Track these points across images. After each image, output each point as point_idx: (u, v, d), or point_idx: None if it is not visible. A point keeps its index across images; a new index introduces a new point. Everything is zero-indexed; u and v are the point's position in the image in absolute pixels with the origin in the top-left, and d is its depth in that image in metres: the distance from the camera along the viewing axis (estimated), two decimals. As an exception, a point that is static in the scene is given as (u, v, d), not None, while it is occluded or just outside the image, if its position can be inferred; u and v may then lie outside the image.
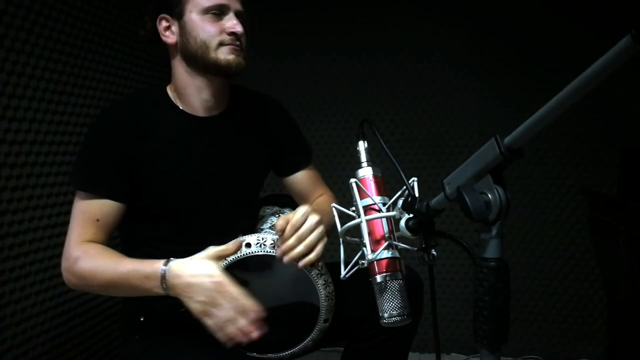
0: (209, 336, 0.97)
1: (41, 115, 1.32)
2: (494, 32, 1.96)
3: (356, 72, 2.07)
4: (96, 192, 1.00)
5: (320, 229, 0.94)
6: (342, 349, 1.20)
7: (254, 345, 0.98)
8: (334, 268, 0.88)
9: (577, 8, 1.87)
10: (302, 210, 0.93)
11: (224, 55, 1.04)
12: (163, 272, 0.90)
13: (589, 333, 1.98)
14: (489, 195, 0.59)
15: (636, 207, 1.47)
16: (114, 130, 1.03)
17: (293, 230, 0.91)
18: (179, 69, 1.09)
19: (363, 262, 0.74)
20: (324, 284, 0.95)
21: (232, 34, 1.03)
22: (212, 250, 0.91)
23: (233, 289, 0.86)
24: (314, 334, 0.98)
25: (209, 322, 0.87)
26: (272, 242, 0.93)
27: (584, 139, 1.93)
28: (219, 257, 0.91)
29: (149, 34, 1.10)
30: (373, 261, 0.73)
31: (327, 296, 0.95)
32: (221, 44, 1.03)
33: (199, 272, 0.88)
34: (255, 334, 0.86)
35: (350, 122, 2.10)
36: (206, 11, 1.02)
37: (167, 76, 1.15)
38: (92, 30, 1.54)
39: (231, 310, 0.86)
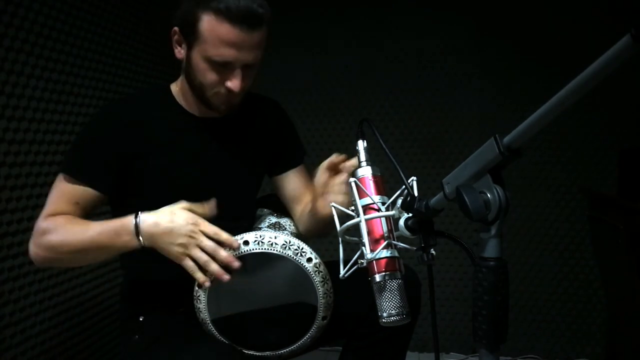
0: (208, 336, 0.98)
1: (40, 115, 1.32)
2: (494, 32, 1.96)
3: (356, 72, 2.07)
4: (81, 179, 1.01)
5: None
6: (341, 347, 1.20)
7: (252, 343, 0.98)
8: (333, 267, 0.88)
9: (577, 8, 1.87)
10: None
11: (217, 102, 1.04)
12: (136, 223, 0.91)
13: (588, 332, 1.98)
14: (488, 195, 0.59)
15: (636, 207, 1.48)
16: (110, 124, 1.04)
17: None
18: (183, 76, 1.09)
19: (362, 261, 0.74)
20: (322, 281, 0.95)
21: (229, 89, 1.01)
22: (183, 203, 0.94)
23: (211, 226, 0.91)
24: (312, 331, 0.97)
25: (189, 263, 0.90)
26: (270, 239, 0.93)
27: (583, 138, 1.93)
28: (189, 209, 0.94)
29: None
30: (372, 260, 0.73)
31: (325, 293, 0.95)
32: (217, 93, 1.02)
33: (175, 216, 0.91)
34: (236, 263, 0.90)
35: (350, 122, 2.10)
36: (210, 61, 0.98)
37: (167, 77, 1.15)
38: (92, 30, 1.54)
39: (211, 245, 0.89)
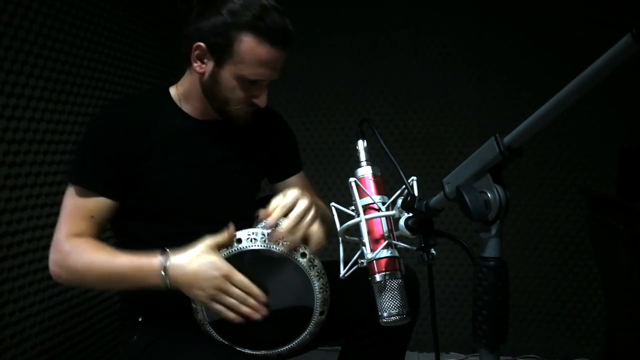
0: (208, 336, 0.98)
1: (40, 114, 1.31)
2: (494, 32, 1.96)
3: (356, 72, 2.07)
4: (94, 189, 1.00)
5: (312, 212, 0.95)
6: (340, 347, 1.20)
7: (251, 342, 0.98)
8: (333, 267, 0.87)
9: (577, 7, 1.87)
10: (291, 193, 0.95)
11: (240, 115, 1.06)
12: (163, 266, 0.90)
13: (587, 332, 1.98)
14: (489, 195, 0.59)
15: (635, 207, 1.47)
16: (114, 128, 1.03)
17: (282, 211, 0.92)
18: (193, 84, 1.07)
19: (362, 261, 0.74)
20: (317, 276, 0.94)
21: (255, 105, 1.04)
22: (209, 241, 0.92)
23: (241, 277, 0.90)
24: (311, 327, 0.97)
25: (217, 306, 0.91)
26: (263, 236, 0.93)
27: (583, 138, 1.93)
28: (216, 247, 0.92)
29: (181, 45, 1.05)
30: (372, 260, 0.73)
31: (321, 288, 0.95)
32: (242, 108, 1.04)
33: (203, 263, 0.90)
34: (263, 311, 0.91)
35: (350, 122, 2.10)
36: (243, 79, 0.99)
37: (167, 77, 1.15)
38: (92, 29, 1.53)
39: (242, 296, 0.90)
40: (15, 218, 1.23)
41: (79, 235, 0.98)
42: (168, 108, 1.10)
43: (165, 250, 0.93)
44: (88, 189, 1.00)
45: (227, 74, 0.99)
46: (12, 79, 1.22)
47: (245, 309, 0.90)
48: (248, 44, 0.95)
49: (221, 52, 0.98)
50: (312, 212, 0.95)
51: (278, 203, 0.95)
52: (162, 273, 0.90)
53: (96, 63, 1.56)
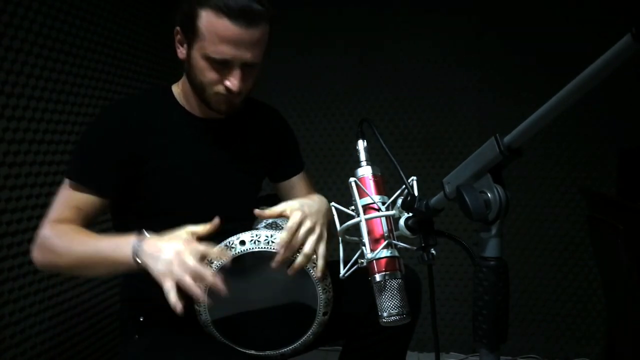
0: (209, 336, 0.97)
1: (40, 114, 1.31)
2: (493, 32, 1.96)
3: (356, 72, 2.07)
4: (87, 186, 1.01)
5: (316, 231, 0.95)
6: (341, 347, 1.20)
7: (254, 343, 0.98)
8: (333, 267, 0.87)
9: (578, 8, 1.87)
10: (295, 216, 0.94)
11: (217, 103, 1.03)
12: (138, 241, 0.90)
13: (587, 332, 1.98)
14: (489, 195, 0.59)
15: (635, 207, 1.47)
16: (115, 129, 1.03)
17: (290, 236, 0.92)
18: (185, 77, 1.09)
19: (362, 261, 0.74)
20: (321, 277, 0.95)
21: (228, 89, 1.00)
22: (189, 228, 0.92)
23: (199, 246, 0.87)
24: (314, 327, 0.97)
25: (168, 284, 0.85)
26: (266, 237, 0.93)
27: (583, 138, 1.93)
28: (194, 234, 0.91)
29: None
30: (372, 260, 0.73)
31: (324, 289, 0.95)
32: (217, 93, 1.01)
33: (167, 243, 0.88)
34: (218, 286, 0.84)
35: (350, 122, 2.10)
36: (209, 59, 0.97)
37: (167, 77, 1.15)
38: (91, 29, 1.53)
39: (191, 269, 0.84)
40: (15, 218, 1.23)
41: (62, 221, 0.99)
42: (170, 106, 1.10)
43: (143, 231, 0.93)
44: (81, 184, 1.01)
45: (196, 54, 0.99)
46: (12, 79, 1.22)
47: (194, 290, 0.83)
48: (207, 20, 0.95)
49: (189, 32, 0.98)
50: (317, 232, 0.95)
51: (283, 209, 0.95)
52: (134, 242, 0.89)
53: (96, 63, 1.56)
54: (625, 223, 1.48)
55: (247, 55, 0.97)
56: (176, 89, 1.12)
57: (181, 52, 1.04)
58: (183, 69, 1.08)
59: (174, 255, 0.86)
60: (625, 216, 1.49)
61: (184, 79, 1.09)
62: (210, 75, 0.99)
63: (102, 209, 1.05)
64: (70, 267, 1.01)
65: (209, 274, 0.85)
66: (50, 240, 0.97)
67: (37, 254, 0.98)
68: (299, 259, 0.92)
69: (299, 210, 0.95)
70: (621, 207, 1.55)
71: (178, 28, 1.02)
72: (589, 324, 1.98)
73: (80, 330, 1.46)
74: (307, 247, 0.93)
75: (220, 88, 1.00)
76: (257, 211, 0.98)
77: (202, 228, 0.93)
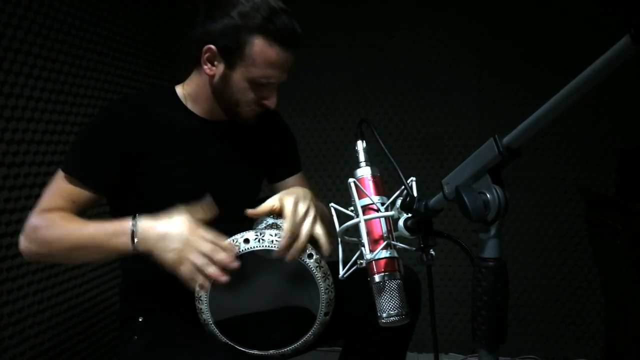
0: (209, 336, 0.97)
1: (39, 115, 1.31)
2: (493, 32, 1.96)
3: (356, 72, 2.07)
4: (84, 181, 1.00)
5: (311, 213, 0.95)
6: (340, 348, 1.20)
7: (255, 342, 0.98)
8: (332, 267, 0.87)
9: (577, 8, 1.87)
10: (289, 203, 0.94)
11: (247, 116, 1.07)
12: (133, 226, 0.90)
13: (586, 333, 1.99)
14: (488, 195, 0.58)
15: (634, 208, 1.48)
16: (116, 126, 1.03)
17: (293, 222, 0.92)
18: (201, 85, 1.08)
19: (361, 261, 0.74)
20: (323, 277, 0.94)
21: (265, 106, 1.04)
22: (183, 210, 0.92)
23: (209, 232, 0.88)
24: (315, 327, 0.97)
25: (183, 269, 0.87)
26: (270, 236, 0.93)
27: (582, 139, 1.93)
28: (189, 214, 0.92)
29: (189, 46, 1.05)
30: (371, 261, 0.73)
31: (326, 289, 0.95)
32: (252, 110, 1.05)
33: (171, 222, 0.89)
34: (234, 264, 0.87)
35: (350, 122, 2.10)
36: (254, 82, 1.00)
37: (167, 77, 1.15)
38: (92, 29, 1.53)
39: (209, 246, 0.86)
40: (15, 218, 1.23)
41: (52, 210, 0.98)
42: (174, 107, 1.10)
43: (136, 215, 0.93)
44: (78, 179, 1.00)
45: (238, 76, 1.00)
46: (11, 79, 1.22)
47: (212, 269, 0.85)
48: (259, 47, 0.97)
49: (232, 54, 0.98)
50: (312, 214, 0.95)
51: (272, 204, 0.96)
52: (131, 234, 0.89)
53: (96, 63, 1.55)
54: (624, 223, 1.48)
55: (285, 75, 1.03)
56: (180, 90, 1.12)
57: (211, 69, 1.02)
58: (188, 72, 1.08)
59: (184, 241, 0.87)
60: (625, 217, 1.50)
61: (196, 85, 1.09)
62: (250, 95, 1.02)
63: (95, 204, 1.04)
64: (62, 256, 1.01)
65: (223, 255, 0.86)
66: (40, 229, 0.95)
67: (27, 244, 0.97)
68: (300, 241, 0.92)
69: (289, 197, 0.96)
70: (620, 208, 1.56)
71: (213, 47, 0.99)
72: (589, 324, 1.98)
73: (79, 330, 1.46)
74: (305, 228, 0.93)
75: (256, 106, 1.05)
76: (249, 211, 0.98)
77: (197, 211, 0.92)
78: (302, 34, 1.01)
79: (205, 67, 1.02)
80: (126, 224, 0.91)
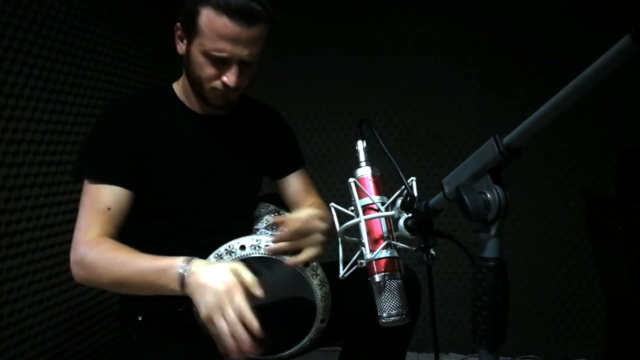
0: (207, 336, 0.97)
1: (39, 115, 1.31)
2: (493, 32, 1.96)
3: (356, 72, 2.07)
4: (107, 180, 1.00)
5: (323, 235, 0.97)
6: (340, 348, 1.20)
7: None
8: (332, 267, 0.87)
9: (577, 7, 1.87)
10: (310, 213, 0.98)
11: (214, 99, 1.06)
12: (183, 270, 0.87)
13: (587, 333, 1.98)
14: (488, 195, 0.59)
15: (634, 208, 1.48)
16: (124, 123, 1.04)
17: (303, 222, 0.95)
18: (184, 73, 1.10)
19: (362, 261, 0.74)
20: (320, 284, 0.95)
21: (225, 84, 1.02)
22: (237, 264, 0.89)
23: (240, 299, 0.83)
24: (311, 334, 0.98)
25: (212, 330, 0.85)
26: (267, 243, 0.93)
27: (582, 139, 1.93)
28: (237, 272, 0.87)
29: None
30: (372, 261, 0.73)
31: (323, 296, 0.95)
32: (214, 88, 1.03)
33: (215, 273, 0.86)
34: (250, 349, 0.82)
35: (350, 122, 2.10)
36: (208, 55, 0.99)
37: (167, 77, 1.16)
38: (91, 29, 1.53)
39: (233, 319, 0.82)
40: (15, 219, 1.23)
41: (97, 232, 0.97)
42: (171, 103, 1.12)
43: (191, 257, 0.90)
44: (101, 181, 1.00)
45: (195, 50, 1.01)
46: (11, 79, 1.22)
47: (230, 341, 0.81)
48: (207, 17, 0.97)
49: (189, 28, 1.01)
50: (323, 245, 0.98)
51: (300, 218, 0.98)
52: (180, 276, 0.87)
53: (96, 63, 1.55)
54: (624, 223, 1.48)
55: (244, 52, 1.00)
56: (176, 86, 1.14)
57: (180, 47, 1.06)
58: (182, 65, 1.09)
59: (216, 298, 0.83)
60: (625, 217, 1.50)
61: (183, 75, 1.11)
62: (208, 70, 1.01)
63: (130, 205, 1.02)
64: (111, 287, 1.01)
65: (255, 325, 0.82)
66: (89, 258, 0.94)
67: (76, 270, 0.96)
68: (301, 257, 0.93)
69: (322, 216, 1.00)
70: (620, 208, 1.56)
71: (179, 24, 1.04)
72: (589, 324, 1.98)
73: (79, 330, 1.46)
74: (311, 248, 0.95)
75: (217, 83, 1.03)
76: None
77: (247, 275, 0.87)
78: (259, 9, 0.97)
79: (178, 46, 1.06)
80: (176, 265, 0.88)
